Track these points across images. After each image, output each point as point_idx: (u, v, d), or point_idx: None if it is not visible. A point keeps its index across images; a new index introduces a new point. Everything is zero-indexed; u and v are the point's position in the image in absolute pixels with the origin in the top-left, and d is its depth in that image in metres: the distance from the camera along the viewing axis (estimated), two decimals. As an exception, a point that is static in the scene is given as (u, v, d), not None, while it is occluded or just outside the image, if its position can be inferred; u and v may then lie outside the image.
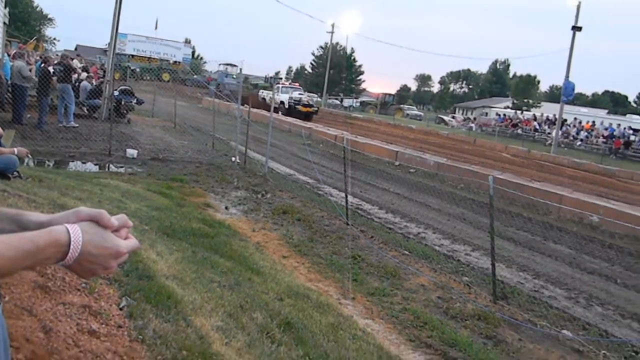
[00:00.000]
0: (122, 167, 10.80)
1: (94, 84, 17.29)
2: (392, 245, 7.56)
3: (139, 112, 18.93)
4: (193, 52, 63.57)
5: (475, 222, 9.75)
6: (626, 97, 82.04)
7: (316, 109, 34.00)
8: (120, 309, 2.77)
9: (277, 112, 28.24)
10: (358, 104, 61.03)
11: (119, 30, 17.60)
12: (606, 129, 36.35)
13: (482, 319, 5.12)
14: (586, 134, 36.64)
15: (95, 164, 10.78)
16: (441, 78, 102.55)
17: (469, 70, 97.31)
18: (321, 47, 79.13)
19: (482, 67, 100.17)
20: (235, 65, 48.24)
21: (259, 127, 14.57)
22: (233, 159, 12.45)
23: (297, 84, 39.00)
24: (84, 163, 10.78)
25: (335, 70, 67.24)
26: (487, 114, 54.33)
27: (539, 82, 74.24)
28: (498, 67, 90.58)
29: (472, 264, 7.23)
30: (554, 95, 68.45)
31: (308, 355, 3.19)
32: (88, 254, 0.93)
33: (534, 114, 45.42)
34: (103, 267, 0.96)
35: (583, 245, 9.12)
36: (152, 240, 4.80)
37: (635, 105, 74.97)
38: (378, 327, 4.67)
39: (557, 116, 30.61)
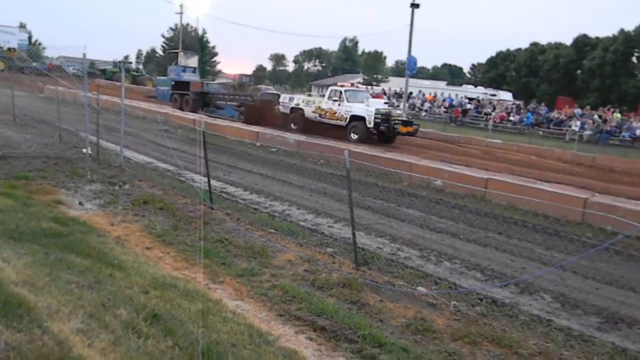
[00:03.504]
0: (-49, 168, 9.59)
1: None
2: (258, 225, 7.65)
3: (-32, 106, 16.86)
4: (30, 38, 57.50)
5: (336, 195, 10.17)
6: (461, 69, 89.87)
7: (417, 126, 20.18)
8: (-37, 325, 2.53)
9: (351, 137, 18.40)
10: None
11: None
12: (445, 99, 39.61)
13: (347, 286, 5.42)
14: (429, 104, 39.61)
15: None
16: (295, 57, 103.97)
17: (320, 48, 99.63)
18: (171, 29, 75.94)
19: (333, 46, 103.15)
20: (193, 54, 33.73)
21: (110, 114, 13.75)
22: (84, 150, 11.62)
23: (363, 87, 23.95)
24: None
25: (188, 53, 65.00)
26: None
27: (385, 57, 78.34)
28: (347, 44, 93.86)
29: (335, 235, 7.58)
30: (399, 70, 72.75)
31: (177, 344, 3.17)
32: None
33: (383, 89, 47.99)
34: None
35: (431, 207, 9.96)
36: (-5, 246, 4.39)
37: (469, 76, 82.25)
38: (248, 307, 4.75)
39: (403, 89, 32.62)
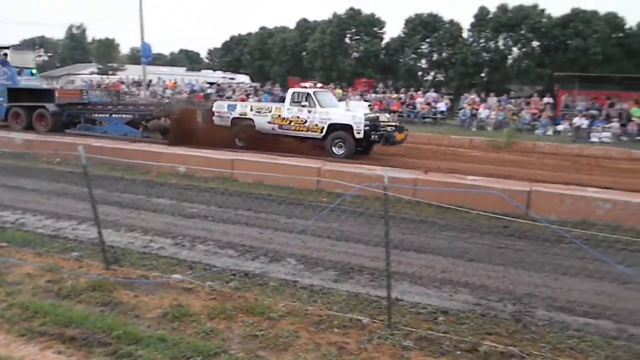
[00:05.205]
0: None
1: None
2: (-17, 241, 6.72)
3: None
4: None
5: (78, 195, 9.39)
6: (199, 54, 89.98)
7: (407, 131, 15.97)
8: None
9: (333, 152, 14.35)
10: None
11: None
12: (187, 84, 39.49)
13: (97, 289, 5.16)
14: (171, 91, 39.01)
15: None
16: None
17: (44, 37, 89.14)
18: None
19: (58, 34, 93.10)
20: (27, 49, 22.76)
21: None
22: None
23: (322, 86, 18.29)
24: None
25: None
26: (73, 81, 51.69)
27: (118, 45, 74.17)
28: (75, 32, 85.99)
29: (80, 238, 7.11)
30: (135, 57, 69.56)
31: None
32: None
33: (120, 78, 45.55)
34: None
35: (182, 194, 10.01)
36: None
37: (207, 61, 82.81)
38: (-20, 335, 4.20)
39: (142, 77, 31.51)
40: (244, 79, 49.06)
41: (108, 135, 16.84)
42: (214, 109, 16.57)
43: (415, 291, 5.62)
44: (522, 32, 49.54)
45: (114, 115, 17.84)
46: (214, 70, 55.95)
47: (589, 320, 5.08)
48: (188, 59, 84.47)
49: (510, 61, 52.15)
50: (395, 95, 30.92)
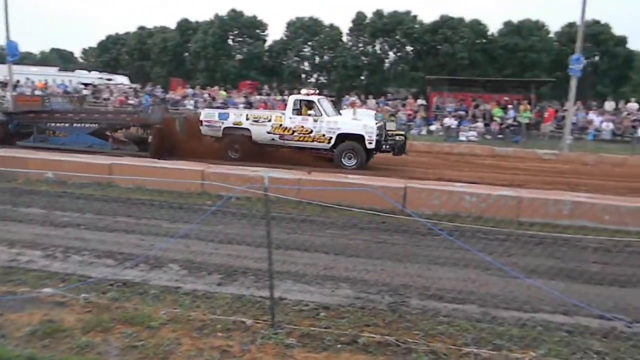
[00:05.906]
0: None
1: None
2: None
3: None
4: None
5: None
6: (72, 53, 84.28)
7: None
8: None
9: (344, 164, 13.56)
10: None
11: None
12: (59, 86, 36.89)
13: (-45, 310, 4.73)
14: (40, 92, 36.27)
15: None
16: None
17: None
18: None
19: None
20: None
21: None
22: None
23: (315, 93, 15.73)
24: None
25: None
26: None
27: (-22, 43, 67.52)
28: None
29: None
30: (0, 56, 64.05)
31: None
32: None
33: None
34: None
35: (54, 202, 9.38)
36: None
37: (82, 60, 77.83)
38: None
39: (7, 78, 28.96)
40: (122, 79, 46.77)
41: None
42: (201, 118, 15.16)
43: (299, 289, 5.75)
44: (397, 37, 52.22)
45: (75, 125, 15.43)
46: (89, 71, 52.65)
47: (457, 306, 5.51)
48: (61, 59, 78.75)
49: (387, 65, 54.70)
50: (279, 97, 31.15)
